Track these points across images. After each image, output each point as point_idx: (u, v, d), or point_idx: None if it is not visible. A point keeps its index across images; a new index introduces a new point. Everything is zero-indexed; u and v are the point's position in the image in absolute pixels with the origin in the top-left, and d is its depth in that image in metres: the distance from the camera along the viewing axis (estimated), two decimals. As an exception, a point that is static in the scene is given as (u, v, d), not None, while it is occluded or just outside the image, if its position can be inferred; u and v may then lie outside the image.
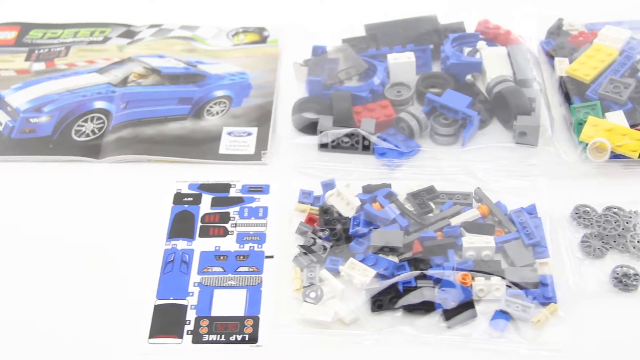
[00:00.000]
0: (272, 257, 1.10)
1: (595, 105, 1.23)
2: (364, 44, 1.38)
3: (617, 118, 1.21)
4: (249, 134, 1.28)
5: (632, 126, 1.19)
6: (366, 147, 1.23)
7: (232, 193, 1.19)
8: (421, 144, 1.24)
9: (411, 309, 1.01)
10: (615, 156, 1.18)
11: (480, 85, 1.31)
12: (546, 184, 1.16)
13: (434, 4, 1.45)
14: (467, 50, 1.36)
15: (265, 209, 1.17)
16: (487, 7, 1.44)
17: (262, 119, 1.31)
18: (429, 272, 1.04)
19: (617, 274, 1.04)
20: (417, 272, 1.04)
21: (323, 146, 1.24)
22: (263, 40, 1.48)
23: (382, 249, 1.07)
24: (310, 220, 1.13)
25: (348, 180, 1.17)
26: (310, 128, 1.26)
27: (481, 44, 1.33)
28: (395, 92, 1.29)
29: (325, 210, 1.13)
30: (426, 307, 1.01)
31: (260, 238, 1.13)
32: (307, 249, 1.08)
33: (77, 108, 1.32)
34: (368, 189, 1.16)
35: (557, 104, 1.30)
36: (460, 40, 1.36)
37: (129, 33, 1.50)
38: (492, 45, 1.35)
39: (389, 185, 1.16)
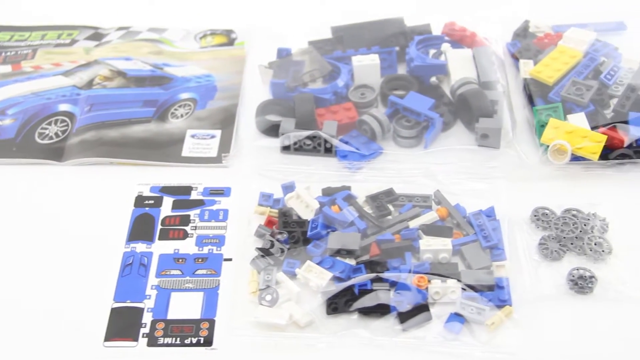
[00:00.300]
0: (230, 259, 1.10)
1: (557, 107, 1.23)
2: (329, 46, 1.38)
3: (579, 120, 1.20)
4: (213, 137, 1.28)
5: (593, 128, 1.19)
6: (328, 150, 1.23)
7: (194, 196, 1.19)
8: (384, 146, 1.24)
9: (366, 312, 1.01)
10: (575, 158, 1.18)
11: (445, 88, 1.31)
12: (506, 186, 1.16)
13: (401, 7, 1.45)
14: (432, 52, 1.35)
15: (226, 211, 1.17)
16: (453, 10, 1.44)
17: (226, 121, 1.31)
18: (385, 275, 1.04)
19: (573, 276, 1.04)
20: (372, 275, 1.04)
21: (285, 149, 1.23)
22: (230, 42, 1.48)
23: (339, 252, 1.07)
24: (269, 222, 1.12)
25: (309, 182, 1.17)
26: (274, 130, 1.25)
27: (445, 46, 1.33)
28: (359, 95, 1.29)
29: (284, 213, 1.12)
30: (381, 310, 1.01)
31: (220, 241, 1.13)
32: (264, 252, 1.08)
33: (41, 111, 1.32)
34: (327, 192, 1.16)
35: (521, 106, 1.30)
36: (426, 43, 1.36)
37: (97, 35, 1.50)
38: (457, 47, 1.35)
39: (349, 188, 1.16)
